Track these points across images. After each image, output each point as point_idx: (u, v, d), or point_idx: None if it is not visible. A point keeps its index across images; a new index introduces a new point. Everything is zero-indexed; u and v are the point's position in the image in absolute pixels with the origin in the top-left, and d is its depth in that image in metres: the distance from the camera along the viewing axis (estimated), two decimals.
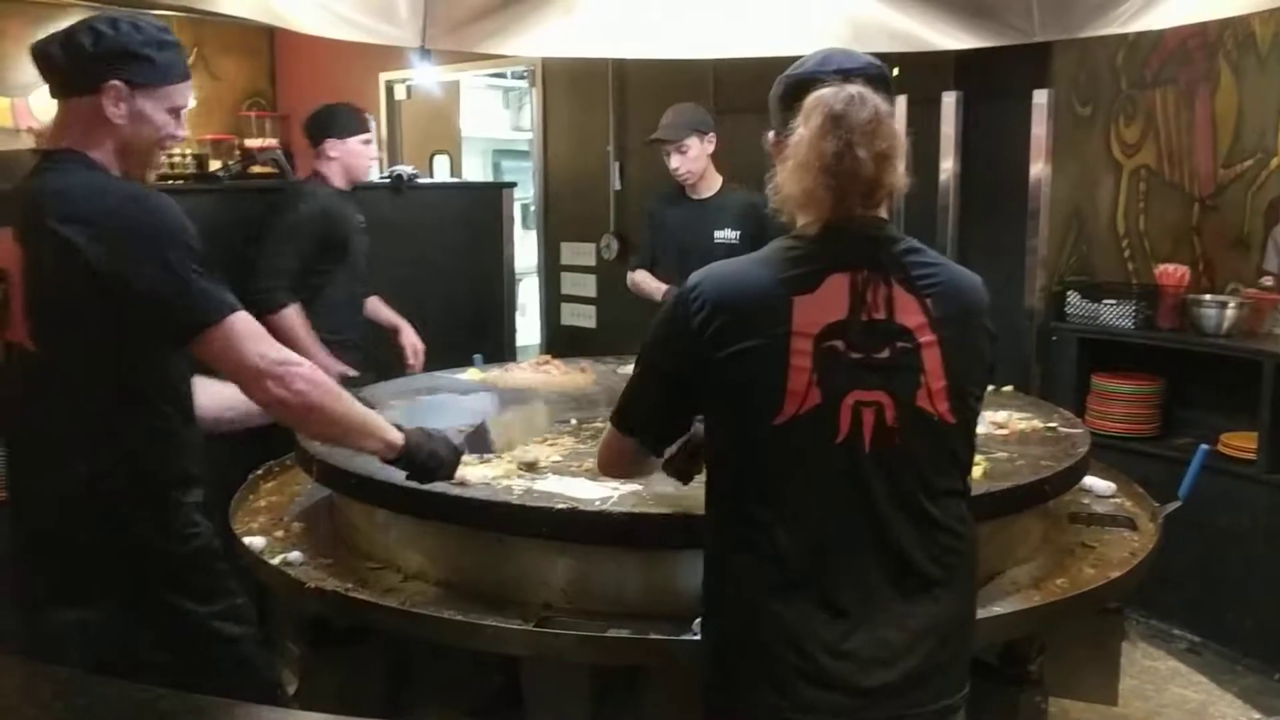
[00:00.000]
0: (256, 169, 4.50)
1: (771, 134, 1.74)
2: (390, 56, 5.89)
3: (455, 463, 2.12)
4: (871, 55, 1.74)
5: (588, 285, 6.02)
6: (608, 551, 2.19)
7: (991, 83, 4.31)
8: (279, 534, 2.61)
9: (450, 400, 3.12)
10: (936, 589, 1.62)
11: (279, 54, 7.61)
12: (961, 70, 4.34)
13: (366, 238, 3.98)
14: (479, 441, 2.40)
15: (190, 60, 2.02)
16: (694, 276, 1.68)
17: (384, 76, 6.84)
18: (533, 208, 6.58)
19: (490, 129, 8.11)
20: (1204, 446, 2.96)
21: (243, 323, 1.79)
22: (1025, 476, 2.43)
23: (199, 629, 1.87)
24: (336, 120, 3.93)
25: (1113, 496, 2.92)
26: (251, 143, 6.61)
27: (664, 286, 4.10)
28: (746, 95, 5.00)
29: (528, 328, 6.54)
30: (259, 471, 2.98)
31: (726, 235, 4.00)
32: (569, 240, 6.12)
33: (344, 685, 2.49)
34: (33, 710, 1.24)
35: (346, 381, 3.46)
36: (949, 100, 4.34)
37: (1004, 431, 2.84)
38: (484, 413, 2.68)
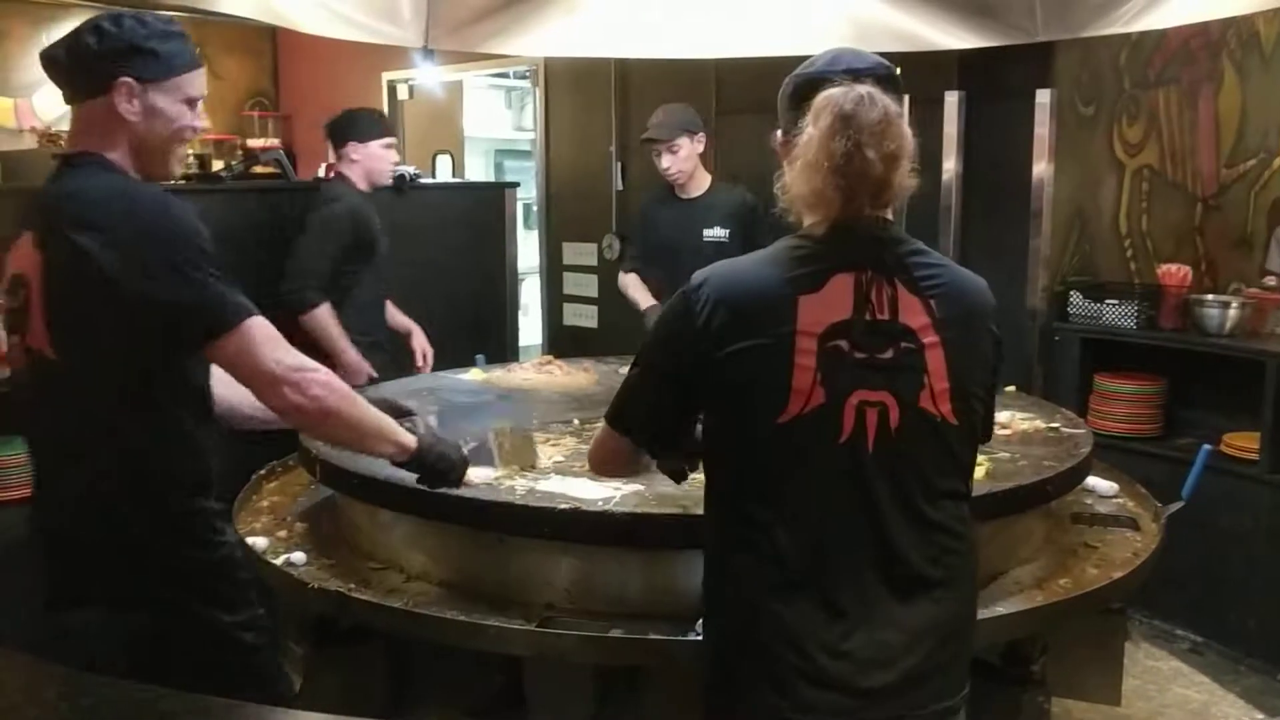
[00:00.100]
0: (259, 169, 4.50)
1: (779, 133, 1.74)
2: (393, 56, 5.89)
3: (464, 467, 2.13)
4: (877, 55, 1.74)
5: (589, 285, 6.02)
6: (610, 552, 2.19)
7: (994, 82, 4.31)
8: (282, 534, 2.62)
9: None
10: (936, 591, 1.62)
11: (281, 54, 7.61)
12: (964, 70, 4.34)
13: (387, 239, 4.04)
14: (482, 458, 2.40)
15: None
16: (698, 275, 1.68)
17: (386, 76, 6.84)
18: (535, 208, 6.58)
19: (492, 129, 8.10)
20: (1206, 447, 2.95)
21: (259, 328, 1.77)
22: (1028, 477, 2.43)
23: (221, 637, 1.85)
24: (359, 124, 4.02)
25: (1115, 497, 2.92)
26: (254, 143, 6.62)
27: (650, 300, 4.14)
28: (748, 95, 5.02)
29: (530, 328, 6.54)
30: (262, 471, 2.99)
31: (716, 233, 4.01)
32: (571, 240, 6.12)
33: (346, 685, 2.49)
34: (35, 710, 1.24)
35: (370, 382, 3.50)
36: (951, 100, 4.34)
37: (1006, 432, 2.83)
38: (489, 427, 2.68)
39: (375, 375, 3.74)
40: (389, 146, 4.05)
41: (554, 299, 6.28)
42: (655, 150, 4.01)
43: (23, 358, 1.82)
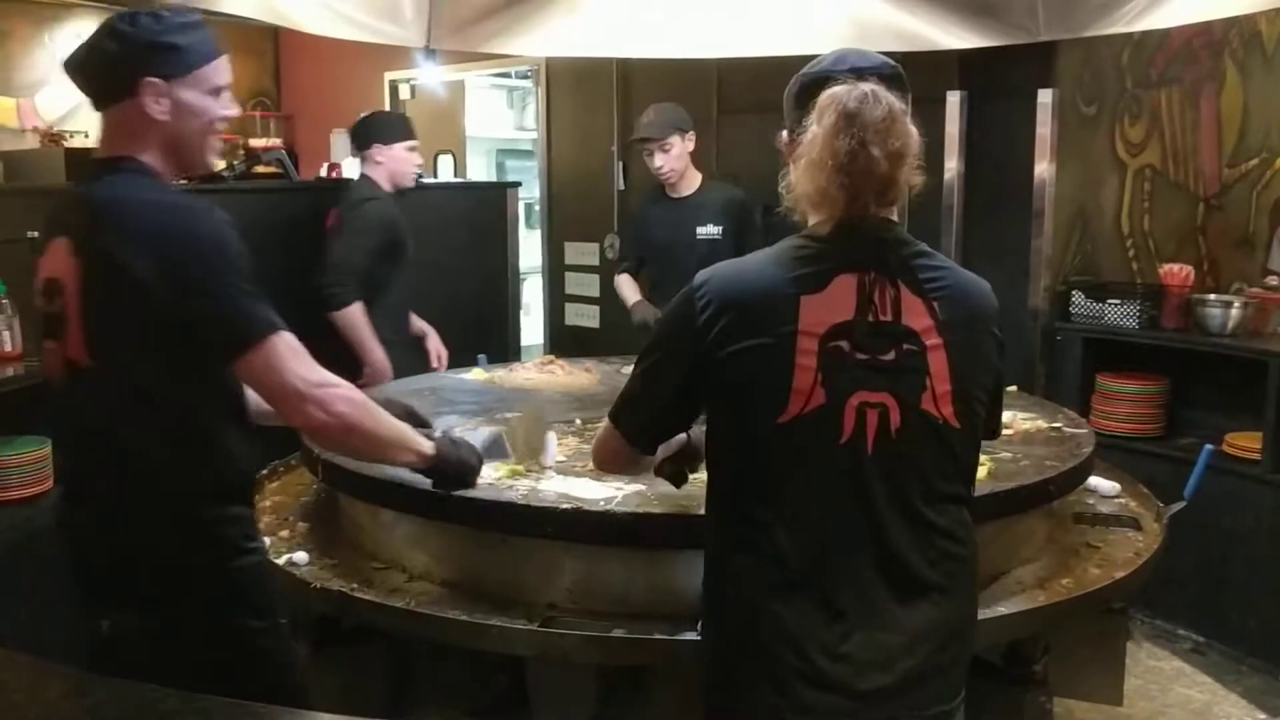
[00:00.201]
0: (260, 169, 4.51)
1: (784, 133, 1.74)
2: (395, 56, 5.89)
3: (479, 470, 2.13)
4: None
5: (591, 285, 6.02)
6: (612, 551, 2.19)
7: (996, 82, 4.30)
8: (284, 534, 2.62)
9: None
10: (935, 594, 1.61)
11: (283, 54, 7.61)
12: (966, 70, 4.34)
13: (412, 242, 4.10)
14: (496, 451, 2.40)
15: None
16: (701, 274, 1.67)
17: (388, 76, 6.85)
18: (537, 207, 6.58)
19: (494, 129, 8.10)
20: (1208, 446, 2.95)
21: (284, 343, 1.74)
22: (1030, 476, 2.43)
23: (249, 645, 1.84)
24: (384, 126, 4.09)
25: (1117, 497, 2.92)
26: (256, 142, 6.63)
27: (636, 297, 4.20)
28: (750, 95, 5.02)
29: (531, 327, 6.54)
30: (264, 471, 2.99)
31: (709, 231, 4.02)
32: (573, 240, 6.13)
33: (348, 685, 2.50)
34: (38, 710, 1.24)
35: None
36: (953, 100, 4.34)
37: (1009, 431, 2.83)
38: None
39: (390, 378, 3.77)
40: (413, 149, 4.10)
41: (556, 299, 6.28)
42: (647, 149, 4.01)
43: (60, 364, 1.80)
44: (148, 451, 1.77)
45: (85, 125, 5.68)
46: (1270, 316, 4.04)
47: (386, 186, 4.02)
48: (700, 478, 1.80)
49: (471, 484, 2.12)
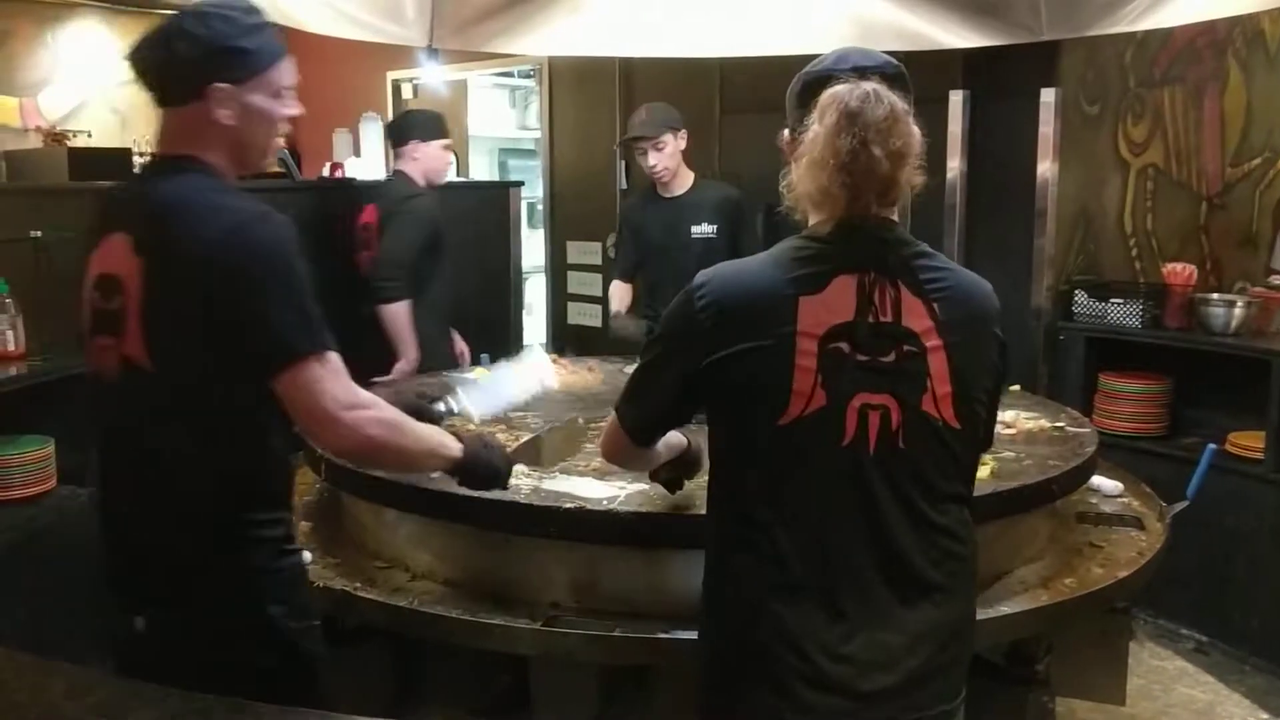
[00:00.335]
0: None
1: (786, 132, 1.73)
2: (397, 56, 5.89)
3: (509, 473, 2.08)
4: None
5: (594, 284, 6.02)
6: (616, 551, 2.19)
7: (999, 82, 4.30)
8: None
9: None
10: (936, 594, 1.61)
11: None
12: (968, 69, 4.33)
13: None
14: (530, 455, 2.40)
15: None
16: (701, 275, 1.67)
17: (391, 75, 6.85)
18: (539, 206, 6.58)
19: (496, 128, 8.10)
20: (1212, 446, 2.95)
21: (326, 365, 1.71)
22: (1033, 476, 2.43)
23: (289, 645, 1.83)
24: (424, 123, 4.19)
25: (1120, 496, 2.92)
26: None
27: (621, 309, 4.21)
28: (752, 94, 5.02)
29: (534, 326, 6.54)
30: None
31: (704, 230, 4.01)
32: (575, 239, 6.13)
33: (351, 684, 2.50)
34: (40, 708, 1.24)
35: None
36: (956, 99, 4.34)
37: (1011, 431, 2.84)
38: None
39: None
40: (448, 148, 4.21)
41: (558, 298, 6.28)
42: (640, 149, 4.00)
43: (115, 360, 1.77)
44: (200, 451, 1.76)
45: (88, 125, 5.69)
46: (1273, 316, 4.04)
47: (420, 183, 4.10)
48: (700, 479, 1.80)
49: (502, 485, 2.06)
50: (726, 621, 1.67)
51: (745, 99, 5.12)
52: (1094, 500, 2.87)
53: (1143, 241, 4.58)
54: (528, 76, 7.27)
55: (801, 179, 1.63)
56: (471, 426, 2.35)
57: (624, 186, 5.75)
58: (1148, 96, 4.47)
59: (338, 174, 5.33)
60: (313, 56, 7.16)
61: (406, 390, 2.34)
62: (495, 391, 2.47)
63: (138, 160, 3.90)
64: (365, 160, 5.60)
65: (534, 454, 2.42)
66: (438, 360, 3.94)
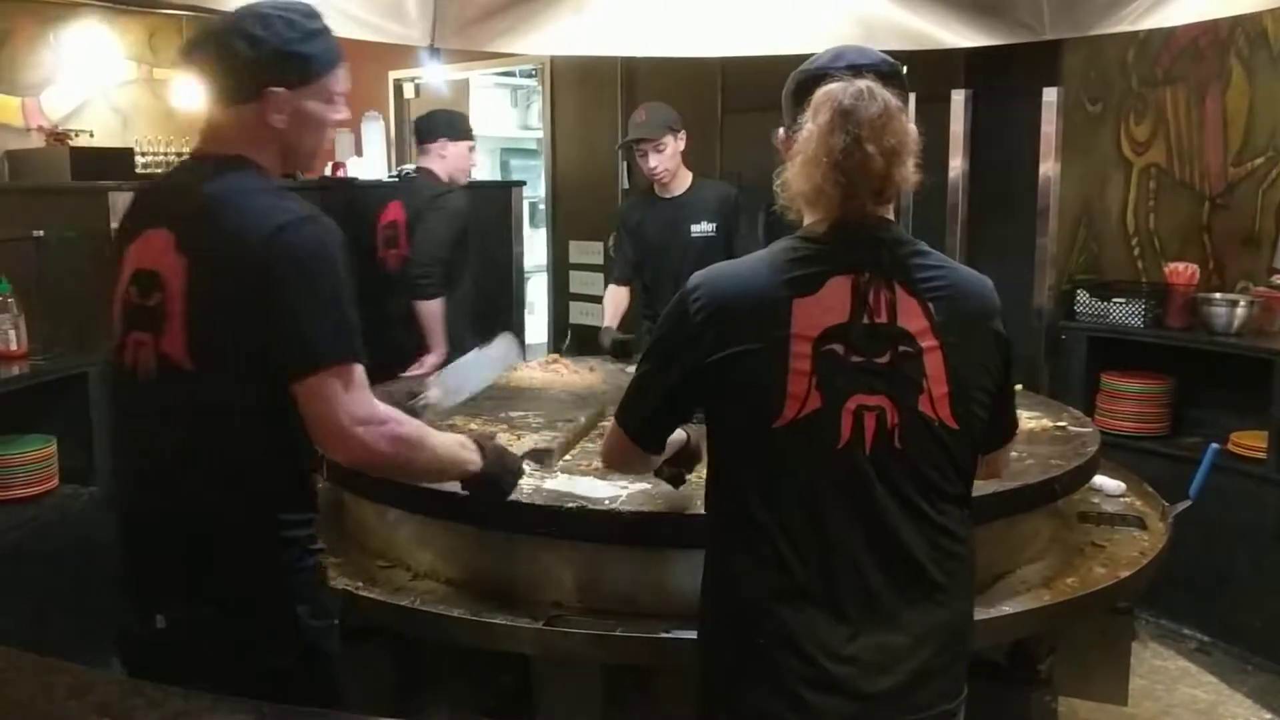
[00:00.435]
0: None
1: (781, 130, 1.73)
2: (399, 55, 5.89)
3: (516, 483, 2.09)
4: (883, 53, 1.73)
5: (595, 284, 6.02)
6: (618, 550, 2.19)
7: (1001, 80, 4.30)
8: None
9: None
10: (937, 594, 1.61)
11: None
12: (971, 68, 4.33)
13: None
14: (543, 459, 2.41)
15: None
16: (695, 277, 1.67)
17: (393, 75, 6.85)
18: (541, 206, 6.58)
19: (499, 127, 8.10)
20: (1214, 445, 2.95)
21: (347, 376, 1.69)
22: (1034, 475, 2.42)
23: (310, 644, 1.83)
24: (452, 123, 4.29)
25: (1122, 496, 2.92)
26: None
27: (611, 321, 4.19)
28: (755, 94, 5.01)
29: (536, 326, 6.54)
30: None
31: (703, 229, 4.02)
32: (577, 239, 6.13)
33: (353, 684, 2.49)
34: (44, 707, 1.24)
35: None
36: (958, 98, 4.34)
37: None
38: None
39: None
40: (473, 149, 4.29)
41: (560, 297, 6.28)
42: (640, 150, 4.00)
43: (152, 358, 1.75)
44: (236, 450, 1.75)
45: (89, 125, 5.69)
46: (1276, 315, 4.04)
47: (444, 180, 4.16)
48: (701, 477, 1.80)
49: (508, 492, 2.07)
50: (726, 623, 1.67)
51: (747, 98, 5.12)
52: (1096, 500, 2.86)
53: (1145, 241, 4.57)
54: (529, 76, 7.28)
55: (796, 177, 1.62)
56: (473, 426, 2.35)
57: (626, 186, 5.76)
58: (1150, 96, 4.47)
59: (339, 174, 5.33)
60: None
61: (397, 391, 2.34)
62: (462, 378, 2.49)
63: (141, 159, 3.91)
64: (367, 159, 5.61)
65: (547, 460, 2.43)
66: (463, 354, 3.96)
